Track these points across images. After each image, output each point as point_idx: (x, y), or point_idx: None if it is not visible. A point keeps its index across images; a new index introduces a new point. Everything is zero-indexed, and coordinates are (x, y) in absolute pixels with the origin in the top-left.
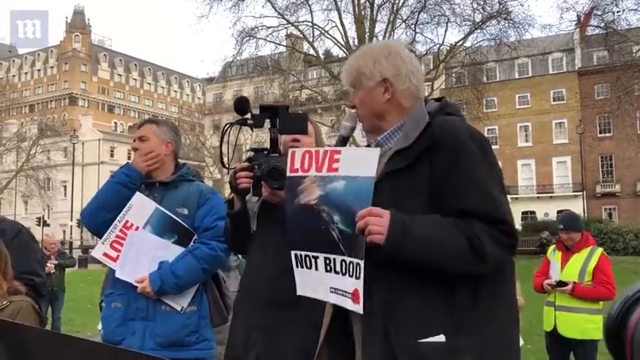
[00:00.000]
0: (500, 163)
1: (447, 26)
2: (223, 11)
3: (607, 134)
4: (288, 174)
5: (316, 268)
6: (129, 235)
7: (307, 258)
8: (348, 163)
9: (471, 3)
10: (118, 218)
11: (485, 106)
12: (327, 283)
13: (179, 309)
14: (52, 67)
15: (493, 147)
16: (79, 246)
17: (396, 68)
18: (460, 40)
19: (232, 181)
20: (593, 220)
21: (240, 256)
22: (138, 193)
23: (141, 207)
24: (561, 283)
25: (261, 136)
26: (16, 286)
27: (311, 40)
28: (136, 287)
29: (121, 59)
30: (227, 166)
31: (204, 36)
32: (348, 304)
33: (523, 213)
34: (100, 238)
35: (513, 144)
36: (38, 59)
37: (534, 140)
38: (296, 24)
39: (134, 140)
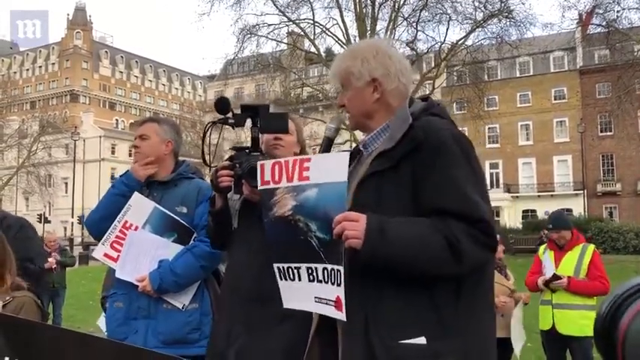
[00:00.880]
0: (501, 162)
1: (448, 24)
2: (225, 9)
3: (608, 133)
4: (260, 187)
5: (299, 279)
6: (128, 235)
7: (290, 270)
8: (319, 170)
9: (473, 1)
10: (117, 219)
11: (486, 105)
12: (312, 292)
13: (180, 307)
14: (53, 63)
15: (494, 145)
16: (79, 243)
17: (384, 67)
18: (461, 39)
19: (214, 179)
20: (593, 219)
21: None
22: (136, 193)
23: (139, 207)
24: (556, 277)
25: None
26: (18, 282)
27: (312, 37)
28: (137, 286)
29: (122, 56)
30: (209, 164)
31: (205, 33)
32: (331, 312)
33: (524, 211)
34: None
35: (514, 142)
36: (40, 56)
37: (535, 139)
38: (297, 21)
39: (135, 138)
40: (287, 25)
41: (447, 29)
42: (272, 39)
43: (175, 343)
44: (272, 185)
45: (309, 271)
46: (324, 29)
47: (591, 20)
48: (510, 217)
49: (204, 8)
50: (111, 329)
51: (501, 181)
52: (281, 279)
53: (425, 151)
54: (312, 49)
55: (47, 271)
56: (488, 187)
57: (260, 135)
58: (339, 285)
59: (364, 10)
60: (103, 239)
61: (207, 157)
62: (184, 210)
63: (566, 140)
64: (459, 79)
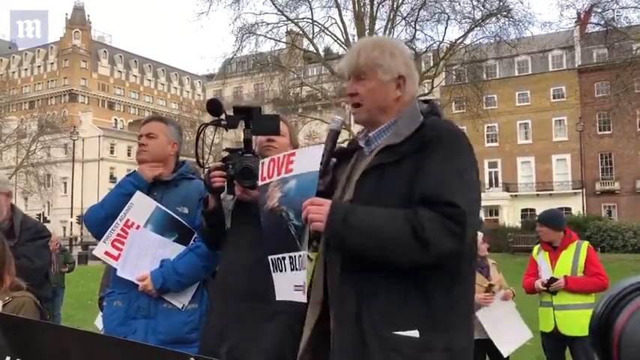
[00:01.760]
0: (499, 161)
1: (447, 23)
2: (223, 8)
3: (607, 132)
4: (260, 183)
5: (285, 269)
6: (130, 234)
7: (279, 260)
8: (300, 161)
9: (471, 0)
10: (119, 217)
11: (485, 104)
12: (292, 281)
13: (180, 307)
14: (52, 63)
15: (493, 144)
16: (78, 242)
17: (408, 66)
18: (460, 38)
19: (207, 179)
20: (592, 217)
21: None
22: (138, 192)
23: (141, 206)
24: (553, 280)
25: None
26: (17, 282)
27: (311, 36)
28: (137, 286)
29: (121, 56)
30: (202, 165)
31: (204, 33)
32: (299, 297)
33: (522, 210)
34: None
35: (513, 141)
36: (38, 55)
37: (534, 138)
38: (296, 21)
39: (141, 136)
40: (286, 25)
41: (446, 28)
42: (271, 38)
43: (175, 342)
44: (267, 180)
45: (291, 260)
46: (322, 28)
47: (589, 19)
48: (509, 216)
49: (202, 7)
50: (110, 328)
51: (500, 180)
52: (274, 271)
53: (432, 147)
54: (311, 49)
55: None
56: (487, 187)
57: (254, 137)
58: (299, 269)
59: (363, 10)
60: (104, 237)
61: (200, 158)
62: (186, 210)
63: (564, 139)
64: (457, 78)
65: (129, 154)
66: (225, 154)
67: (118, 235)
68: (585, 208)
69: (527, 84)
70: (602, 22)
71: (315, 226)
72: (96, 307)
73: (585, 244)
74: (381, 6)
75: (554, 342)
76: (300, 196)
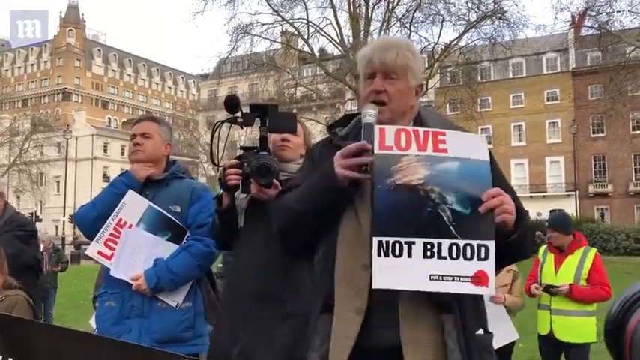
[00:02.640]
0: None
1: (441, 25)
2: (218, 8)
3: (600, 134)
4: (378, 151)
5: (409, 255)
6: (123, 233)
7: (397, 244)
8: (457, 145)
9: (466, 2)
10: (111, 216)
11: (479, 106)
12: (426, 270)
13: (174, 305)
14: (45, 61)
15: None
16: (71, 242)
17: (422, 75)
18: (455, 40)
19: (222, 177)
20: (585, 220)
21: None
22: (130, 191)
23: (134, 205)
24: (549, 287)
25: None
26: (10, 281)
27: (306, 37)
28: (130, 285)
29: (115, 54)
30: (217, 163)
31: (198, 32)
32: (464, 288)
33: None
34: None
35: (507, 143)
36: (32, 54)
37: (528, 140)
38: (291, 21)
39: (135, 136)
40: (281, 25)
41: (441, 30)
42: (266, 38)
43: (169, 341)
44: (396, 151)
45: (428, 246)
46: (317, 29)
47: (583, 22)
48: None
49: (198, 7)
50: (103, 328)
51: None
52: (379, 254)
53: None
54: (306, 49)
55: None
56: None
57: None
58: (484, 259)
59: (358, 11)
60: (97, 237)
61: (215, 156)
62: (178, 209)
63: (558, 141)
64: (452, 80)
65: (122, 154)
66: (240, 152)
67: (111, 234)
68: (578, 211)
69: (522, 86)
70: (596, 26)
71: (507, 218)
72: (89, 307)
73: (593, 250)
74: (376, 7)
75: (550, 345)
76: (466, 182)
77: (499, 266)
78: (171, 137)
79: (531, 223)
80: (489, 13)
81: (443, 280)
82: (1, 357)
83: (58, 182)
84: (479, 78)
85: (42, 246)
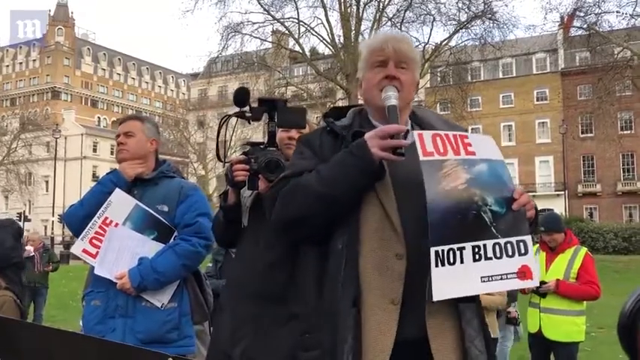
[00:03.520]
0: None
1: (432, 25)
2: (209, 6)
3: (589, 134)
4: (422, 157)
5: (462, 261)
6: (108, 232)
7: (451, 252)
8: (480, 147)
9: (457, 2)
10: (97, 215)
11: (469, 106)
12: (477, 273)
13: (159, 305)
14: (34, 60)
15: None
16: (60, 242)
17: None
18: (445, 40)
19: (229, 173)
20: (574, 219)
21: None
22: (117, 190)
23: (121, 203)
24: (542, 284)
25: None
26: None
27: (297, 36)
28: (115, 284)
29: (104, 53)
30: (223, 159)
31: (189, 31)
32: (513, 284)
33: None
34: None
35: (497, 143)
36: (20, 52)
37: (517, 140)
38: (282, 20)
39: (119, 135)
40: (271, 24)
41: (431, 30)
42: (256, 37)
43: (153, 342)
44: (437, 157)
45: (476, 249)
46: (308, 28)
47: (573, 23)
48: None
49: (188, 5)
50: (88, 327)
51: None
52: (437, 265)
53: None
54: (297, 48)
55: (30, 272)
56: None
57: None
58: (524, 254)
59: (349, 10)
60: (82, 235)
61: (221, 152)
62: (165, 209)
63: (547, 141)
64: (442, 80)
65: (112, 153)
66: (247, 147)
67: (96, 232)
68: (567, 210)
69: (511, 86)
70: (585, 26)
71: (532, 214)
72: (78, 308)
73: (583, 250)
74: (367, 7)
75: (539, 343)
76: (497, 182)
77: None
78: (158, 134)
79: None
80: (479, 14)
81: (493, 280)
82: None
83: (46, 182)
84: (469, 78)
85: (31, 247)
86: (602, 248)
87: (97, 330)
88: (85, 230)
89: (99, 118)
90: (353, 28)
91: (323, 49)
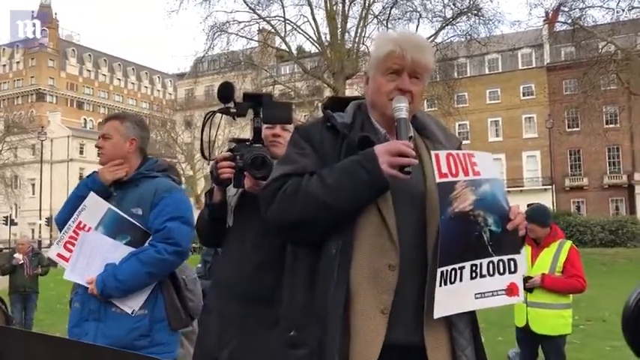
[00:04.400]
0: None
1: (418, 22)
2: (194, 6)
3: (575, 129)
4: (438, 180)
5: (460, 280)
6: (80, 236)
7: (453, 272)
8: (483, 166)
9: None
10: (72, 219)
11: (456, 102)
12: (471, 291)
13: (130, 312)
14: (17, 62)
15: (464, 142)
16: (48, 245)
17: None
18: (431, 36)
19: (214, 171)
20: (562, 213)
21: None
22: (92, 194)
23: (94, 207)
24: (528, 279)
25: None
26: None
27: (283, 35)
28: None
29: (90, 54)
30: (208, 157)
31: (174, 31)
32: (501, 300)
33: None
34: None
35: (484, 139)
36: (3, 54)
37: (504, 135)
38: (268, 19)
39: (98, 138)
40: (257, 23)
41: (417, 27)
42: (242, 36)
43: (122, 348)
44: (450, 178)
45: (473, 268)
46: (294, 27)
47: (557, 18)
48: None
49: (173, 5)
50: (68, 329)
51: None
52: (440, 284)
53: None
54: (283, 47)
55: (19, 276)
56: None
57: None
58: (514, 272)
59: (335, 8)
60: (57, 239)
61: (205, 150)
62: (139, 212)
63: (534, 136)
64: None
65: (99, 155)
66: (232, 144)
67: (70, 237)
68: (555, 204)
69: (498, 82)
70: (570, 21)
71: (523, 233)
72: (65, 310)
73: (568, 243)
74: (353, 4)
75: (527, 337)
76: (498, 201)
77: None
78: (142, 131)
79: None
80: (465, 10)
81: (484, 297)
82: None
83: (33, 185)
84: (455, 74)
85: (20, 255)
86: (589, 241)
87: (74, 333)
88: (61, 234)
89: (85, 119)
90: (339, 26)
91: (310, 47)
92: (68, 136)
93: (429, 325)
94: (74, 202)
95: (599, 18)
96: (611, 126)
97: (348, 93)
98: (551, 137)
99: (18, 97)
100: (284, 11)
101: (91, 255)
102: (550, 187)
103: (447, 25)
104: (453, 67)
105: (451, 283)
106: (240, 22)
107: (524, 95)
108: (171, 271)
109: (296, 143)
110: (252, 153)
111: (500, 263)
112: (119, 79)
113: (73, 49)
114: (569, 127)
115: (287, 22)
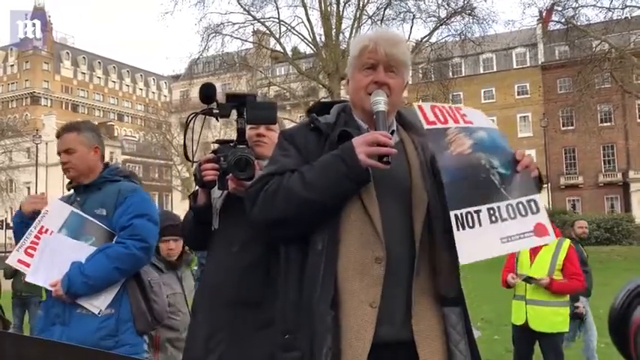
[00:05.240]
0: None
1: (412, 22)
2: (188, 8)
3: (570, 127)
4: (426, 126)
5: (480, 224)
6: (42, 240)
7: (469, 215)
8: (474, 117)
9: None
10: (33, 225)
11: (451, 101)
12: (496, 235)
13: (96, 312)
14: (12, 65)
15: None
16: None
17: None
18: (426, 36)
19: (197, 173)
20: (557, 211)
21: None
22: (56, 199)
23: (56, 212)
24: (530, 278)
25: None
26: None
27: (278, 36)
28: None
29: (84, 57)
30: (192, 159)
31: (169, 33)
32: (531, 242)
33: None
34: None
35: None
36: None
37: None
38: (262, 20)
39: (59, 153)
40: (252, 24)
41: (412, 27)
42: (237, 38)
43: None
44: (440, 125)
45: (491, 212)
46: (289, 28)
47: (551, 17)
48: None
49: (167, 7)
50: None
51: None
52: (458, 229)
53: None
54: (278, 48)
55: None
56: None
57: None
58: (537, 212)
59: (329, 9)
60: (18, 245)
61: (189, 152)
62: (104, 212)
63: (529, 135)
64: (424, 77)
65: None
66: (216, 146)
67: (32, 242)
68: (551, 203)
69: (492, 81)
70: (563, 20)
71: (537, 172)
72: None
73: (567, 242)
74: (347, 5)
75: (524, 335)
76: (499, 145)
77: None
78: (98, 138)
79: None
80: (459, 10)
81: (512, 240)
82: None
83: (28, 188)
84: (450, 74)
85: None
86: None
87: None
88: (21, 241)
89: None
90: (334, 27)
91: (304, 48)
92: None
93: (418, 319)
94: (19, 227)
95: (593, 17)
96: (605, 124)
97: (343, 93)
98: (546, 136)
99: (12, 100)
100: (278, 12)
101: (54, 257)
102: (545, 185)
103: (441, 25)
104: (447, 66)
105: (470, 227)
106: (234, 24)
107: (518, 94)
108: (137, 271)
109: (281, 146)
110: (236, 155)
111: (520, 205)
112: (114, 82)
113: (68, 52)
114: (563, 126)
115: (281, 23)
